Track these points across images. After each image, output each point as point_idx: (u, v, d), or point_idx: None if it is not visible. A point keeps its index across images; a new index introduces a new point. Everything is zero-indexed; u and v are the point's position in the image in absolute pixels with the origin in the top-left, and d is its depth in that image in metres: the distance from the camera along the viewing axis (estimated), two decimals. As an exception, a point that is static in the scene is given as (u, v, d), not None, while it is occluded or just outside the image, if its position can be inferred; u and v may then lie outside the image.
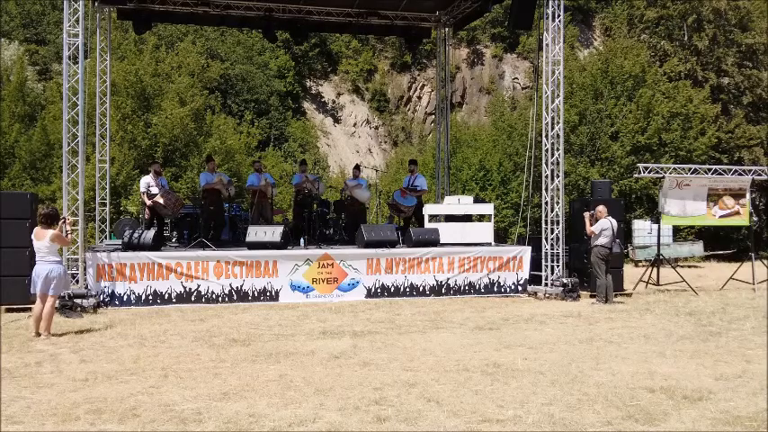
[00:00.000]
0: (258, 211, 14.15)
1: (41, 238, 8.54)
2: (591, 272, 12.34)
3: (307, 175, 14.61)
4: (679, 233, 23.44)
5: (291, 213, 17.12)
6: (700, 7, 28.42)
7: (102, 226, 14.66)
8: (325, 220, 14.60)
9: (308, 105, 34.18)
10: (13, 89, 22.65)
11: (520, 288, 13.02)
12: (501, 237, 20.19)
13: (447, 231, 13.26)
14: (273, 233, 12.14)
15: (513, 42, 37.00)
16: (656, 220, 15.48)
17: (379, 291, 12.33)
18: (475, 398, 5.79)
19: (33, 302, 8.74)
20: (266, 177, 14.33)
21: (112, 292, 11.23)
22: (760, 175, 14.78)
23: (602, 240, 11.92)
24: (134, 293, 11.32)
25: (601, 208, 12.14)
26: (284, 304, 11.61)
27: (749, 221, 15.08)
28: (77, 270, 11.23)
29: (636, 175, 15.65)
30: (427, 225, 13.63)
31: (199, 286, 11.58)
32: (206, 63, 27.45)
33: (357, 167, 15.40)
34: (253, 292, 11.79)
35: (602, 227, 11.91)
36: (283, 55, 32.44)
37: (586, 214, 12.22)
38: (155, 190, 12.96)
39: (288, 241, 12.51)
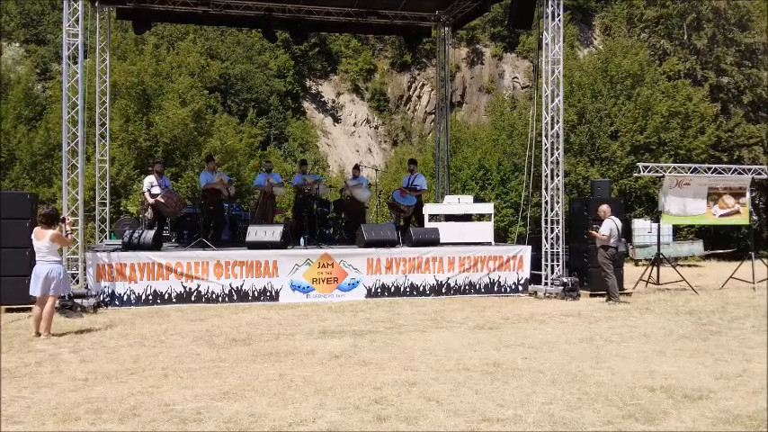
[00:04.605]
0: (261, 211, 14.16)
1: (41, 238, 8.54)
2: (591, 271, 12.38)
3: (305, 177, 14.60)
4: (679, 232, 23.45)
5: (291, 213, 17.12)
6: (699, 6, 28.44)
7: (102, 226, 14.67)
8: (325, 220, 14.61)
9: (307, 105, 34.17)
10: (19, 92, 22.65)
11: (520, 287, 13.01)
12: (501, 236, 20.18)
13: (447, 231, 13.25)
14: (273, 233, 12.14)
15: (512, 42, 37.00)
16: (656, 220, 15.47)
17: (379, 290, 12.33)
18: (475, 397, 5.79)
19: (33, 302, 8.74)
20: (273, 177, 14.35)
21: (112, 292, 11.22)
22: (760, 174, 14.77)
23: (610, 241, 11.87)
24: (134, 293, 11.32)
25: (605, 207, 12.06)
26: (284, 304, 11.61)
27: (749, 220, 15.06)
28: (77, 270, 11.24)
29: (636, 175, 15.63)
30: (427, 225, 13.62)
31: (199, 286, 11.57)
32: (206, 63, 27.44)
33: (357, 167, 15.38)
34: (253, 292, 11.79)
35: (608, 227, 11.85)
36: (283, 55, 32.43)
37: (592, 231, 12.13)
38: (156, 190, 12.98)
39: (288, 241, 12.51)
